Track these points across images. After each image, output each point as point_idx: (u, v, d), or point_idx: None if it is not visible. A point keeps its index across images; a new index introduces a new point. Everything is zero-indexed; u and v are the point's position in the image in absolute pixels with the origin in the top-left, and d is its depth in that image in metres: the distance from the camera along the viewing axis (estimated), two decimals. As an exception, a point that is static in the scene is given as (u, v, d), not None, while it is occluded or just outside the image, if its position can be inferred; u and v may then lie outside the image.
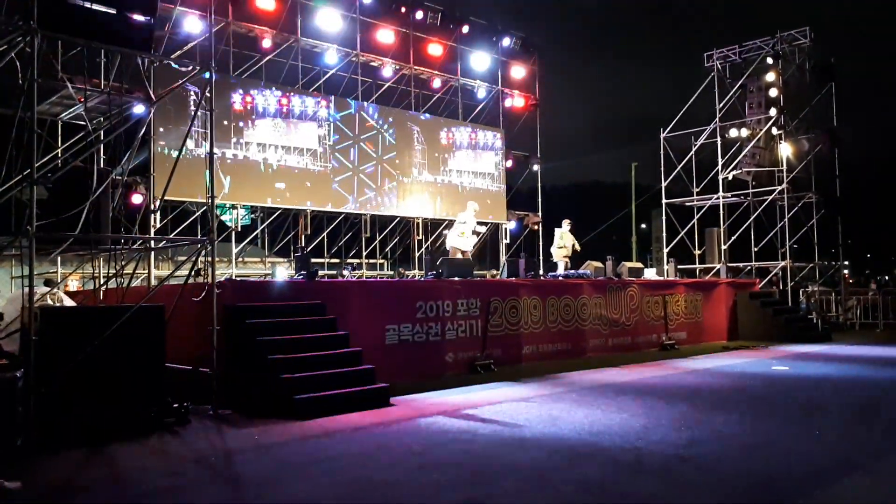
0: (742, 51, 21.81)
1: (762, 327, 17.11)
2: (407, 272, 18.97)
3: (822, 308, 21.26)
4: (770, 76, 21.01)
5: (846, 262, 25.15)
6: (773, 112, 20.89)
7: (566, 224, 16.34)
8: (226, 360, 8.44)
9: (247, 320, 8.66)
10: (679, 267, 19.69)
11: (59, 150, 11.67)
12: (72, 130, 13.42)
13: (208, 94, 9.00)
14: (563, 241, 16.15)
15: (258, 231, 18.11)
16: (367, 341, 9.67)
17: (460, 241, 13.95)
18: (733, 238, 21.42)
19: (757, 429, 7.25)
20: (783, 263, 20.28)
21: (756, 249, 21.20)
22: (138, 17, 8.12)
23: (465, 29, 19.72)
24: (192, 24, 14.63)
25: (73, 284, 13.95)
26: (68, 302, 9.24)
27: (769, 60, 20.99)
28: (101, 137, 9.62)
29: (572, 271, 15.25)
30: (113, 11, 7.90)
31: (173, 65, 11.80)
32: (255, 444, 6.78)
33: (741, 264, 21.69)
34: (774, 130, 20.91)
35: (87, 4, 7.72)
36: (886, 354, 14.27)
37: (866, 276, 33.68)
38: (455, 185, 19.53)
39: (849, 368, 12.05)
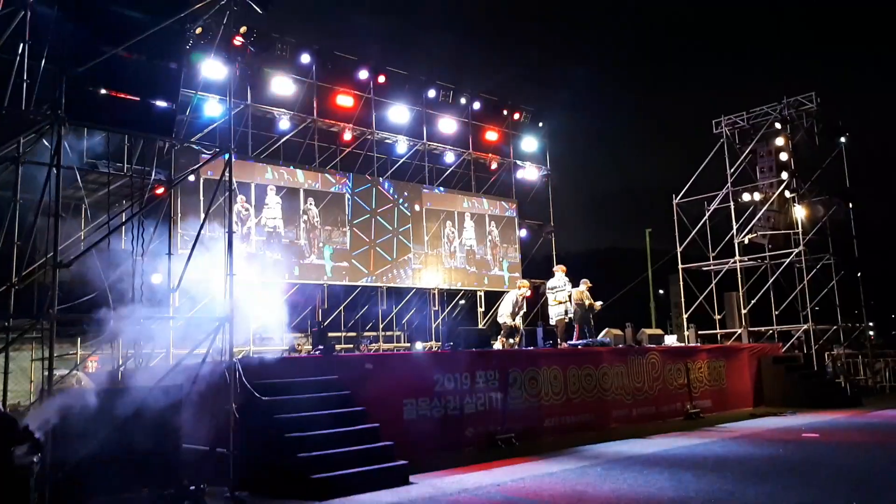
0: (749, 117, 22.07)
1: (788, 393, 16.69)
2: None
3: (850, 371, 20.75)
4: (779, 141, 21.20)
5: (871, 324, 24.67)
6: (784, 175, 20.98)
7: (523, 284, 14.89)
8: (243, 439, 8.33)
9: (264, 397, 8.61)
10: (700, 332, 19.41)
11: (83, 233, 11.92)
12: (94, 213, 13.75)
13: (227, 175, 9.22)
14: (503, 308, 14.37)
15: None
16: (384, 416, 9.52)
17: (559, 308, 14.47)
18: (753, 302, 21.15)
19: (790, 500, 6.99)
20: (805, 326, 19.95)
21: (777, 313, 20.91)
22: (161, 104, 8.44)
23: (477, 105, 20.28)
24: (213, 108, 15.13)
25: (92, 366, 13.96)
26: (88, 383, 9.25)
27: (777, 125, 21.22)
28: (123, 219, 9.84)
29: (585, 340, 14.32)
30: (136, 99, 8.23)
31: (194, 146, 12.16)
32: (272, 526, 6.62)
33: (762, 328, 21.36)
34: (787, 193, 20.94)
35: (112, 93, 8.04)
36: (920, 419, 13.83)
37: (892, 337, 32.91)
38: (470, 256, 19.63)
39: (882, 435, 11.66)
